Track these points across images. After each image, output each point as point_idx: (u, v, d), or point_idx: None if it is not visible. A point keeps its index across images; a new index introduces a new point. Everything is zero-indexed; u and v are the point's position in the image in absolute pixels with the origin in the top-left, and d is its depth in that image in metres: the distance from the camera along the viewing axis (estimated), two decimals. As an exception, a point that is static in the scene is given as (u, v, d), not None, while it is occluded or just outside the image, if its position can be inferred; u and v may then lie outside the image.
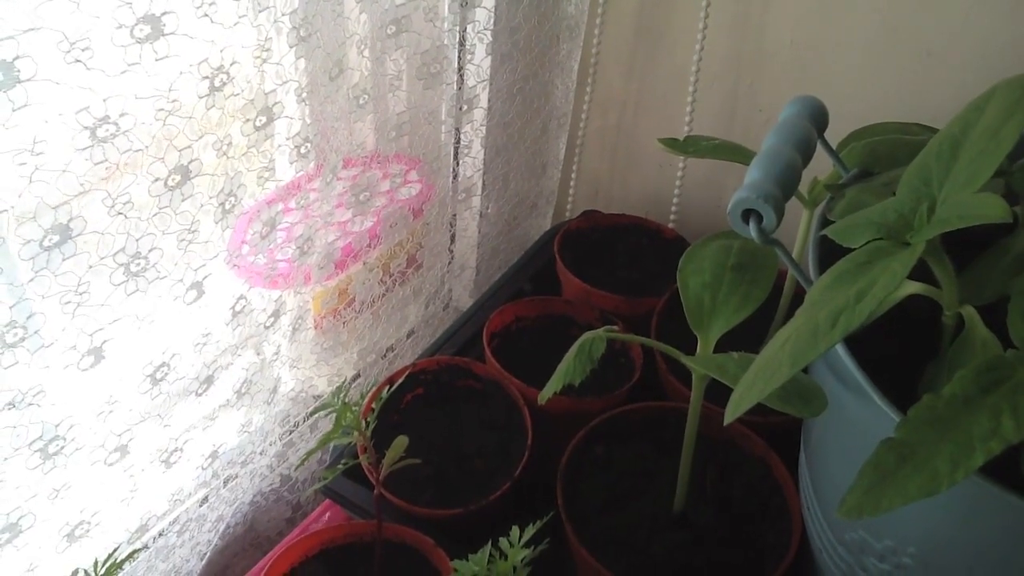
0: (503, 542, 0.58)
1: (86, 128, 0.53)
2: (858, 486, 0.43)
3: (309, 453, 0.66)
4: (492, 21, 0.90)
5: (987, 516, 0.47)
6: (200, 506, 0.84)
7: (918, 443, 0.42)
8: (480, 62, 0.93)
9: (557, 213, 1.19)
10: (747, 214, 0.52)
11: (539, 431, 0.79)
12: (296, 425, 0.94)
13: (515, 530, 0.58)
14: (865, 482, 0.43)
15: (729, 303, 0.63)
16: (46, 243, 0.54)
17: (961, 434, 0.41)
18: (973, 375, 0.43)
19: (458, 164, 1.01)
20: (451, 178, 1.01)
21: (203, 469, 0.81)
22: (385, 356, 1.03)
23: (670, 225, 1.05)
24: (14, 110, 0.49)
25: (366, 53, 0.78)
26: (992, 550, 0.48)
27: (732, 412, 0.46)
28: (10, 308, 0.55)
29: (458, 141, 0.99)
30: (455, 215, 1.06)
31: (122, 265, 0.60)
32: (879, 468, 0.42)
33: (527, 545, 0.58)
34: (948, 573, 0.50)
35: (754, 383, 0.45)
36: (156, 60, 0.55)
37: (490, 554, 0.57)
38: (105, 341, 0.63)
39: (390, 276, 0.96)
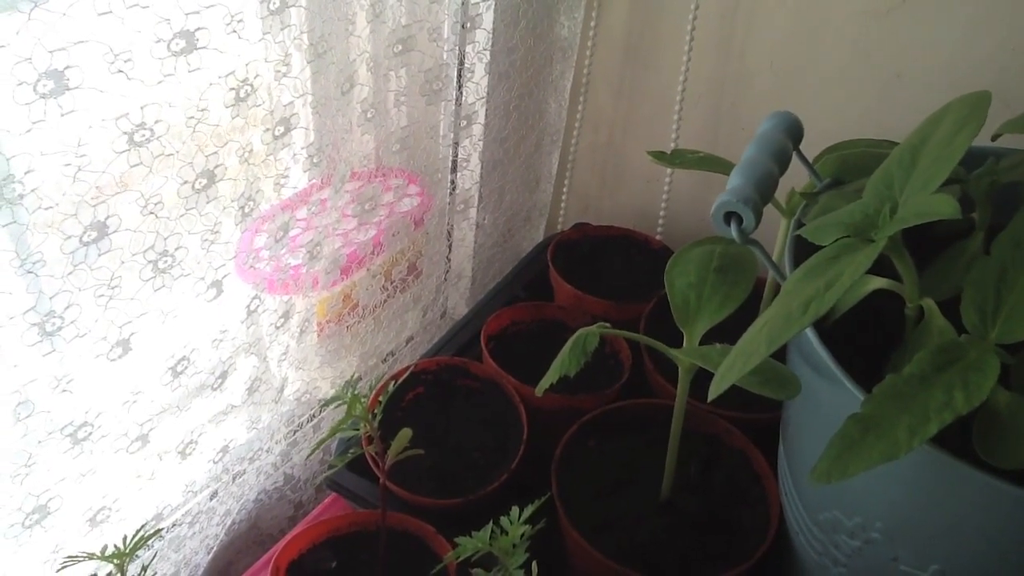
0: (504, 520, 0.61)
1: (124, 133, 0.58)
2: (827, 455, 0.48)
3: (320, 442, 0.69)
4: (491, 42, 0.94)
5: (944, 489, 0.51)
6: (210, 500, 0.87)
7: (881, 416, 0.47)
8: (479, 80, 0.97)
9: (549, 225, 1.22)
10: (728, 216, 0.57)
11: (534, 427, 0.82)
12: (300, 426, 0.98)
13: (515, 509, 0.62)
14: (834, 451, 0.47)
15: (712, 301, 0.68)
16: (85, 238, 0.59)
17: (918, 407, 0.46)
18: (930, 356, 0.48)
19: (456, 177, 1.05)
20: (449, 190, 1.05)
21: (214, 463, 0.85)
22: (386, 360, 1.07)
23: (657, 237, 1.09)
24: (62, 115, 0.54)
25: (373, 70, 0.83)
26: (950, 520, 0.52)
27: (716, 388, 0.51)
28: (50, 299, 0.59)
29: (456, 155, 1.02)
30: (452, 226, 1.10)
31: (151, 262, 0.65)
32: (846, 438, 0.47)
33: (525, 523, 0.62)
34: (912, 544, 0.55)
35: (735, 363, 0.50)
36: (189, 72, 0.60)
37: (491, 532, 0.61)
38: (132, 333, 0.67)
39: (391, 283, 1.00)
